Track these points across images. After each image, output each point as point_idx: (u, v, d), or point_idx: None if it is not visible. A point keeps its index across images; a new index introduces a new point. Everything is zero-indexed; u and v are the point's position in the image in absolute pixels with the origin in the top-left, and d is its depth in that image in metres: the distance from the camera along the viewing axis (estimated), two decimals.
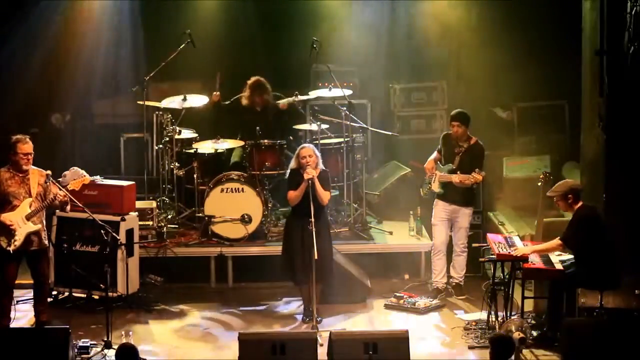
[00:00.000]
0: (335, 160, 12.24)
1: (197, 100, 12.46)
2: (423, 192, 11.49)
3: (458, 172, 11.01)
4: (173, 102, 12.35)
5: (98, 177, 10.59)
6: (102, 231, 10.06)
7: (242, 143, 12.28)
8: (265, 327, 10.55)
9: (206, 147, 12.24)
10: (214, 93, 12.54)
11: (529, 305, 10.44)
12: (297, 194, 10.36)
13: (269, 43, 13.78)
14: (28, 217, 9.82)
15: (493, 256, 10.11)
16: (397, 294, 11.13)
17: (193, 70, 13.40)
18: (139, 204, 11.66)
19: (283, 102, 12.61)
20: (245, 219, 11.78)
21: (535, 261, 9.98)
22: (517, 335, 9.41)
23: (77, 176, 10.41)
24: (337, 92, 12.24)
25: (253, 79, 12.49)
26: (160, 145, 12.47)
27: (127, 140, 13.61)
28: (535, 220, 10.78)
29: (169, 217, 12.21)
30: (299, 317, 10.75)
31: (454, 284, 11.34)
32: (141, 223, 11.54)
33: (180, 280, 11.65)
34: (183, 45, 12.43)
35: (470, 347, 9.89)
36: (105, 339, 9.62)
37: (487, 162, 11.46)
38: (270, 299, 11.33)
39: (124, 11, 13.59)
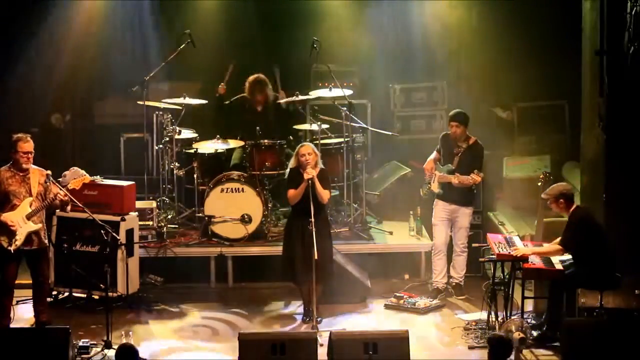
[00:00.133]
0: (335, 160, 12.24)
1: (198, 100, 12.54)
2: (423, 192, 11.49)
3: (457, 173, 11.01)
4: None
5: (98, 177, 10.59)
6: (102, 231, 10.07)
7: (242, 143, 12.28)
8: (265, 327, 10.56)
9: (206, 147, 12.24)
10: (221, 84, 12.54)
11: (529, 305, 10.45)
12: (297, 193, 10.36)
13: (269, 43, 13.77)
14: (28, 217, 9.82)
15: (493, 256, 10.11)
16: (397, 294, 11.13)
17: (193, 70, 13.41)
18: (139, 204, 11.66)
19: (283, 101, 12.60)
20: (245, 219, 11.77)
21: (535, 261, 9.98)
22: (517, 335, 9.42)
23: (77, 176, 10.40)
24: (337, 92, 12.24)
25: (251, 77, 12.47)
26: (160, 145, 12.46)
27: (127, 140, 13.61)
28: (535, 220, 10.79)
29: (169, 217, 12.21)
30: (299, 317, 10.75)
31: (454, 284, 11.34)
32: (141, 223, 11.54)
33: (180, 280, 11.65)
34: (183, 45, 12.43)
35: (470, 347, 9.89)
36: (105, 339, 9.62)
37: (487, 162, 11.47)
38: (270, 299, 11.33)
39: (124, 11, 13.58)
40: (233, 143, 12.32)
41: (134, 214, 11.23)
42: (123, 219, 10.90)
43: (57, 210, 10.61)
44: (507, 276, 10.05)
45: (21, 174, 9.89)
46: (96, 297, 10.87)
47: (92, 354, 9.57)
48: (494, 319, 10.12)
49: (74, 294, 11.01)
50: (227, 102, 12.61)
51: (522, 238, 10.63)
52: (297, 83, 13.26)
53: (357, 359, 8.53)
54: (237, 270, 11.75)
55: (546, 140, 13.68)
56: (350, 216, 12.34)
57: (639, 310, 9.77)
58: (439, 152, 11.37)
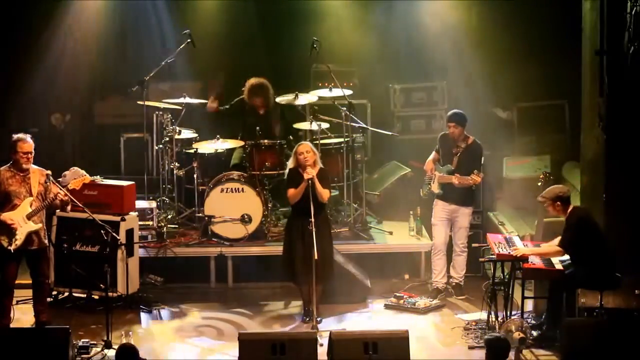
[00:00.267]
0: (335, 160, 12.23)
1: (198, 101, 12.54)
2: (423, 192, 11.49)
3: (457, 174, 11.01)
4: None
5: (98, 177, 10.58)
6: (102, 231, 10.07)
7: (242, 143, 12.27)
8: (265, 327, 10.56)
9: (206, 147, 12.24)
10: (211, 98, 12.53)
11: (528, 305, 10.45)
12: (296, 192, 10.37)
13: (269, 43, 13.77)
14: (29, 217, 9.82)
15: (493, 256, 10.11)
16: (397, 294, 11.13)
17: (193, 70, 13.41)
18: (139, 204, 11.66)
19: (281, 99, 12.56)
20: (245, 219, 11.77)
21: (535, 261, 9.98)
22: (517, 335, 9.43)
23: (77, 176, 10.41)
24: (337, 92, 12.24)
25: (252, 80, 12.40)
26: (160, 145, 12.46)
27: (127, 140, 13.60)
28: (535, 220, 10.79)
29: (169, 217, 12.21)
30: (299, 317, 10.75)
31: (454, 284, 11.34)
32: (141, 223, 11.54)
33: (180, 280, 11.65)
34: (183, 45, 12.43)
35: (470, 347, 9.89)
36: (105, 339, 9.62)
37: (487, 162, 11.46)
38: (270, 299, 11.33)
39: (124, 11, 13.58)
40: (233, 143, 12.32)
41: (134, 214, 11.22)
42: (123, 219, 10.90)
43: (57, 210, 10.62)
44: (507, 276, 10.05)
45: (21, 174, 9.89)
46: (96, 297, 10.87)
47: (92, 354, 9.57)
48: (494, 319, 10.12)
49: (74, 294, 11.00)
50: (226, 107, 12.57)
51: (522, 238, 10.63)
52: (297, 83, 13.26)
53: (357, 359, 8.53)
54: (237, 270, 11.75)
55: (546, 140, 13.67)
56: (350, 216, 12.33)
57: (639, 310, 9.76)
58: (438, 153, 11.37)
